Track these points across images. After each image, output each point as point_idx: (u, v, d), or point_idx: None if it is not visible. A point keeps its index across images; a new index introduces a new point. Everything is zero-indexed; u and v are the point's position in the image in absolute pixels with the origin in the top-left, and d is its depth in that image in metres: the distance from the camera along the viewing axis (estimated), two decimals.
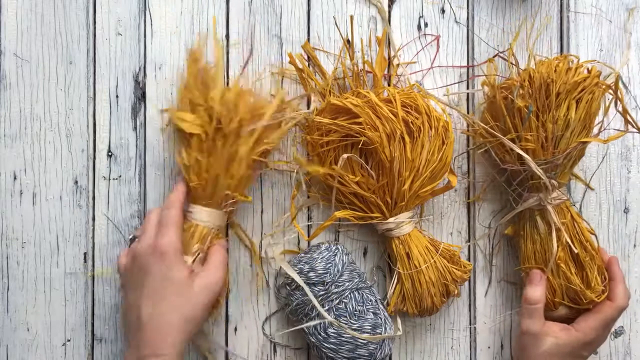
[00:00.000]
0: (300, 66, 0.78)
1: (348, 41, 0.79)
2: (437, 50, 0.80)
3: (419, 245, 0.74)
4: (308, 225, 0.79)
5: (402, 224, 0.74)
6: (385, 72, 0.78)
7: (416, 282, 0.74)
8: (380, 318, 0.74)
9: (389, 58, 0.79)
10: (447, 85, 0.80)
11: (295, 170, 0.78)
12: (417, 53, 0.80)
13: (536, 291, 0.73)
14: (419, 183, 0.73)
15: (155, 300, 0.66)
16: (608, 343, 0.80)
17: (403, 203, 0.74)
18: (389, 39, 0.79)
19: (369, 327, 0.73)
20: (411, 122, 0.73)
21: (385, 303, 0.77)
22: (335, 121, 0.74)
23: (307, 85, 0.78)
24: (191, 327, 0.66)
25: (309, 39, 0.79)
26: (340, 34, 0.79)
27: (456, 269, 0.75)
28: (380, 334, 0.74)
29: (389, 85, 0.78)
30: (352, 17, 0.78)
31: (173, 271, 0.66)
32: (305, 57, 0.79)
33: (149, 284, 0.66)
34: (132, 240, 0.72)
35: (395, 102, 0.73)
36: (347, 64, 0.77)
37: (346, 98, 0.74)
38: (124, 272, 0.70)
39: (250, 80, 0.77)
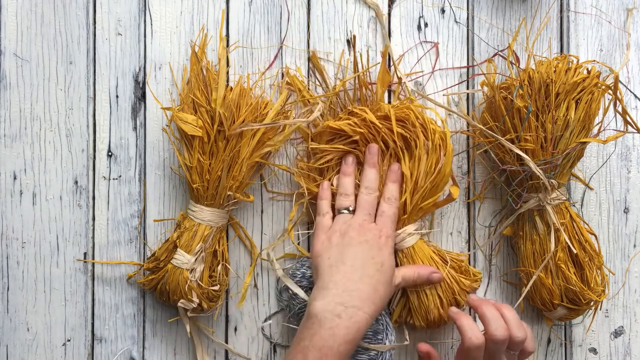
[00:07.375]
0: (304, 76, 0.78)
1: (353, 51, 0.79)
2: (437, 57, 0.80)
3: (423, 258, 0.73)
4: (308, 234, 0.79)
5: (406, 237, 0.74)
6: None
7: (422, 295, 0.73)
8: (382, 324, 0.73)
9: (392, 64, 0.79)
10: (447, 88, 0.80)
11: (294, 194, 0.78)
12: (418, 61, 0.79)
13: None
14: (419, 196, 0.73)
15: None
16: (608, 343, 0.80)
17: (405, 216, 0.74)
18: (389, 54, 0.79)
19: (370, 333, 0.72)
20: (408, 136, 0.73)
21: (389, 312, 0.76)
22: (332, 146, 0.75)
23: (307, 102, 0.77)
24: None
25: (309, 39, 0.79)
26: (349, 52, 0.79)
27: (465, 278, 0.74)
28: (382, 339, 0.72)
29: (390, 97, 0.78)
30: (354, 37, 0.78)
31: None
32: (306, 68, 0.79)
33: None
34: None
35: (391, 117, 0.73)
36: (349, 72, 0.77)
37: (341, 119, 0.74)
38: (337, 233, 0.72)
39: (251, 81, 0.77)
